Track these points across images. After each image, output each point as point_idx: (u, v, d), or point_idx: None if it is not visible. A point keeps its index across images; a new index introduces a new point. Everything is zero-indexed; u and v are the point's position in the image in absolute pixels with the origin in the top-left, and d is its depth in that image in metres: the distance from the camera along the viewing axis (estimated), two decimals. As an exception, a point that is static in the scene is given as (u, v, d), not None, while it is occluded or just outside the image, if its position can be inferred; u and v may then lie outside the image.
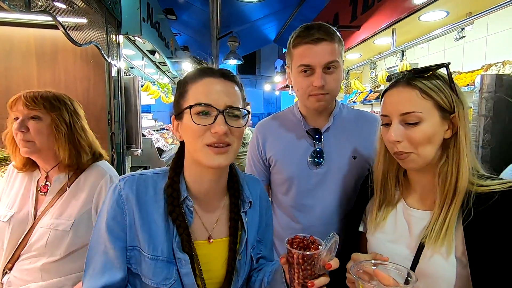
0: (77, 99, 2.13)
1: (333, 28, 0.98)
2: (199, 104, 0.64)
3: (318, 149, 1.02)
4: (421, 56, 3.68)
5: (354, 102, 5.21)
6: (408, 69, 2.80)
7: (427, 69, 0.72)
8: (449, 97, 0.71)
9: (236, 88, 0.70)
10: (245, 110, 0.70)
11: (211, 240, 0.72)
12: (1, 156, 1.96)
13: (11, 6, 1.04)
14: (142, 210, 0.68)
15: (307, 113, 1.06)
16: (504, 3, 1.89)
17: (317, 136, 1.03)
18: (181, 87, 0.70)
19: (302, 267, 0.61)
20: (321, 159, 1.01)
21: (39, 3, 1.27)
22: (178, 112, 0.69)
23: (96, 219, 0.71)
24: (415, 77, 0.73)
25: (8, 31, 1.98)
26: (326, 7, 4.38)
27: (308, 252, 0.61)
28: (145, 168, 3.23)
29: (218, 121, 0.64)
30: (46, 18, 1.88)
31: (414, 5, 2.33)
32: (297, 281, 0.63)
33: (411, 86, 0.72)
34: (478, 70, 3.07)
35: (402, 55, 3.02)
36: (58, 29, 1.41)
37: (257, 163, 1.11)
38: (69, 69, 2.09)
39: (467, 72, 3.23)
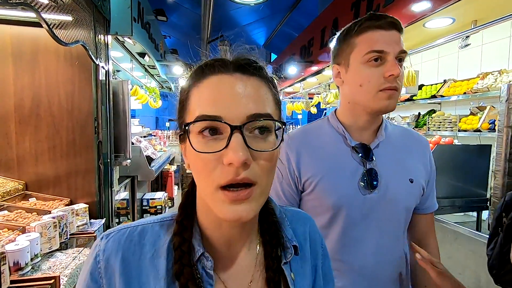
0: (60, 105, 1.95)
1: None
2: (201, 119, 0.40)
3: (370, 169, 0.83)
4: (415, 64, 3.68)
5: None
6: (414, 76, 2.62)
7: None
8: None
9: (264, 86, 0.44)
10: (278, 122, 0.43)
11: None
12: (12, 188, 1.68)
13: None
14: (132, 283, 0.44)
15: (354, 124, 0.87)
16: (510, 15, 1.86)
17: (366, 154, 0.84)
18: (182, 93, 0.46)
19: None
20: (376, 182, 0.82)
21: (18, -5, 1.09)
22: (180, 132, 0.46)
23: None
24: None
25: (-20, 28, 1.76)
26: (324, 11, 4.28)
27: None
28: (133, 178, 2.99)
29: (232, 144, 0.38)
30: (25, 14, 1.67)
31: (417, 13, 2.28)
32: None
33: None
34: (474, 78, 3.07)
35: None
36: (40, 26, 1.23)
37: (287, 187, 0.87)
38: (51, 71, 1.88)
39: (462, 80, 3.23)
